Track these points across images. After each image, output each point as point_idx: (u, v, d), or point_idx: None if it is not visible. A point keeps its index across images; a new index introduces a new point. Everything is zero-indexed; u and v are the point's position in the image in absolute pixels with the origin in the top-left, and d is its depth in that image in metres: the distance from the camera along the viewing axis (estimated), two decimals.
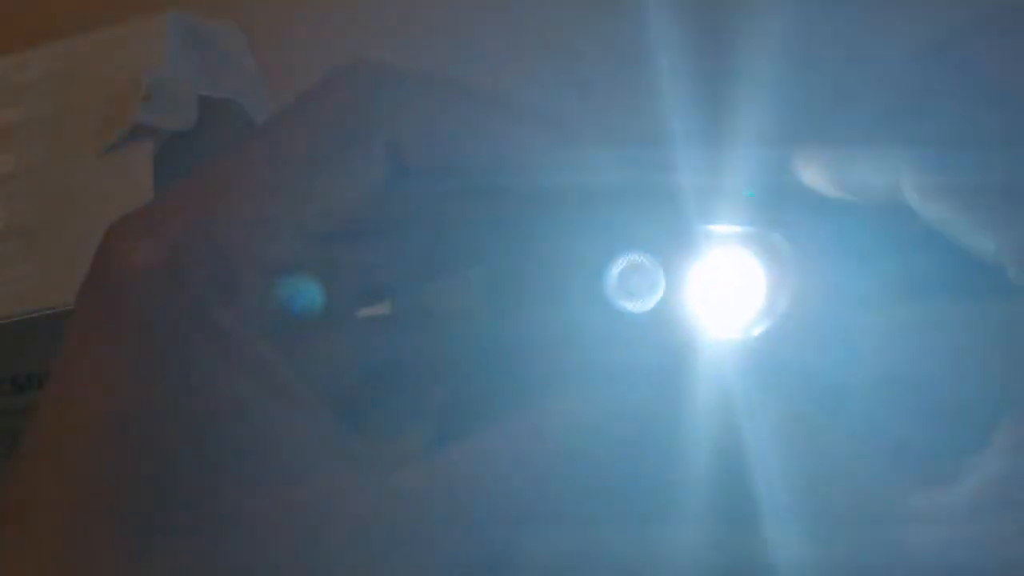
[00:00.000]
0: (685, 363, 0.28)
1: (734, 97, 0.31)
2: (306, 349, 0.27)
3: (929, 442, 0.28)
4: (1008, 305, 0.28)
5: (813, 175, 0.29)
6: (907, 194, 0.27)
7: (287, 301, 0.27)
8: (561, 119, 0.29)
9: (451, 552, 0.24)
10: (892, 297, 0.29)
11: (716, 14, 0.35)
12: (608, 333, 0.28)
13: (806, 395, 0.28)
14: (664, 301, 0.28)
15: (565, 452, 0.26)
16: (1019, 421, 0.26)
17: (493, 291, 0.30)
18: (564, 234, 0.29)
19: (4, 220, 0.47)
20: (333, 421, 0.25)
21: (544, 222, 0.29)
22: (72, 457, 0.24)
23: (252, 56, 0.55)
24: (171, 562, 0.23)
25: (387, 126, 0.26)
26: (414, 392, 0.30)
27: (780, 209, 0.29)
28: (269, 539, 0.23)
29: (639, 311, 0.28)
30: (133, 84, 0.47)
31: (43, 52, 0.51)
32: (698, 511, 0.27)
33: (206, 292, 0.25)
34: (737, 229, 0.29)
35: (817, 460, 0.27)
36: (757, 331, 0.29)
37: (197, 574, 0.23)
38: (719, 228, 0.29)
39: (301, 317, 0.27)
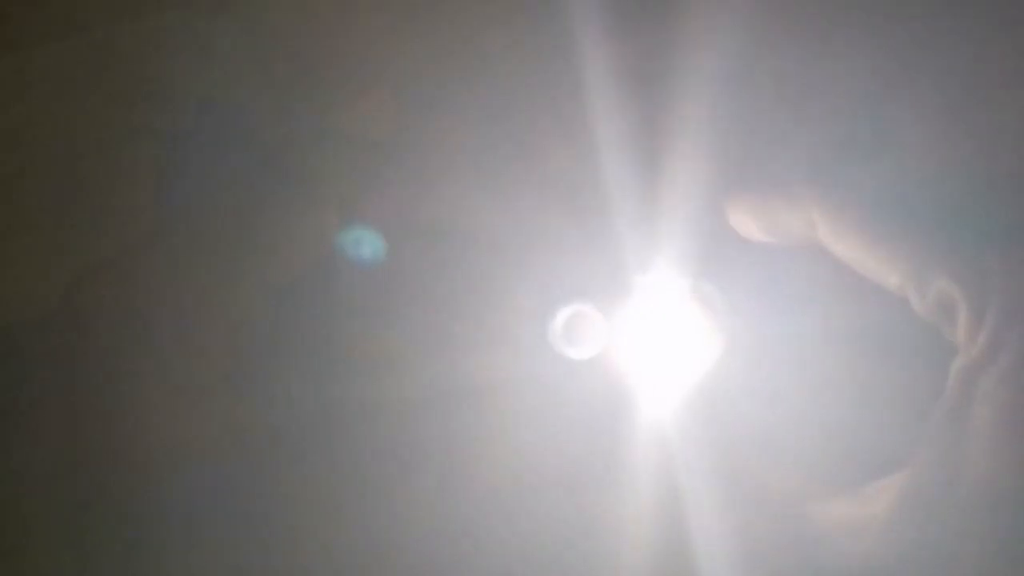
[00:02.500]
0: (624, 407, 0.29)
1: (671, 146, 0.32)
2: (261, 391, 0.28)
3: (850, 468, 0.30)
4: (916, 353, 0.30)
5: (740, 220, 0.31)
6: (821, 234, 0.29)
7: (356, 250, 0.29)
8: (503, 174, 0.31)
9: None
10: (816, 343, 0.31)
11: (653, 73, 0.36)
12: (551, 379, 0.30)
13: (737, 437, 0.30)
14: (605, 348, 0.30)
15: (500, 499, 0.28)
16: (926, 448, 0.28)
17: (439, 337, 0.32)
18: (510, 283, 0.30)
19: (4, 220, 0.47)
20: (284, 460, 0.27)
21: (490, 272, 0.31)
22: (36, 485, 0.25)
23: (252, 56, 0.55)
24: None
25: (339, 188, 0.29)
26: (361, 433, 0.32)
27: (713, 261, 0.31)
28: (222, 565, 0.24)
29: (581, 358, 0.30)
30: (133, 84, 0.47)
31: (43, 52, 0.51)
32: (633, 547, 0.28)
33: (170, 344, 0.26)
34: (672, 280, 0.31)
35: (748, 496, 0.29)
36: (692, 376, 0.31)
37: None
38: (655, 279, 0.31)
39: (366, 264, 0.29)
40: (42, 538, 0.25)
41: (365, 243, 0.30)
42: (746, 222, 0.32)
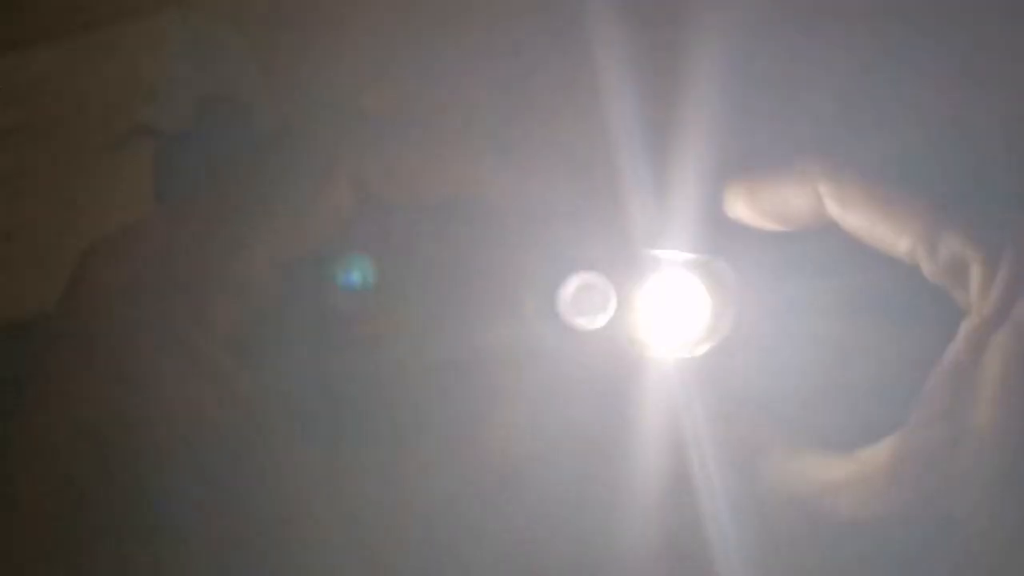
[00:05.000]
0: (633, 380, 0.29)
1: (683, 126, 0.32)
2: (269, 365, 0.28)
3: (862, 442, 0.30)
4: (923, 322, 0.30)
5: (742, 211, 0.31)
6: (828, 207, 0.29)
7: (344, 276, 0.29)
8: (514, 147, 0.31)
9: (402, 559, 0.26)
10: (827, 316, 0.31)
11: (664, 44, 0.36)
12: (560, 349, 0.30)
13: (746, 407, 0.30)
14: (614, 319, 0.30)
15: (511, 466, 0.28)
16: (923, 409, 0.28)
17: (447, 308, 0.32)
18: (519, 253, 0.30)
19: (3, 220, 0.47)
20: (292, 433, 0.27)
21: (499, 241, 0.31)
22: (46, 467, 0.25)
23: (252, 56, 0.55)
24: (138, 565, 0.24)
25: (351, 163, 0.29)
26: (367, 406, 0.32)
27: (723, 236, 0.31)
28: (230, 543, 0.24)
29: (590, 328, 0.30)
30: (133, 84, 0.47)
31: (43, 52, 0.52)
32: (640, 527, 0.28)
33: (180, 313, 0.26)
34: (683, 255, 0.31)
35: (757, 466, 0.29)
36: (701, 350, 0.31)
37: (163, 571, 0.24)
38: (666, 254, 0.31)
39: (356, 290, 0.29)
40: (50, 518, 0.25)
41: (354, 268, 0.31)
42: (751, 211, 0.31)
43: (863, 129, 0.33)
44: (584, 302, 0.30)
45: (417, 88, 0.37)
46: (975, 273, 0.27)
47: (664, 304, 0.31)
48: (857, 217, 0.29)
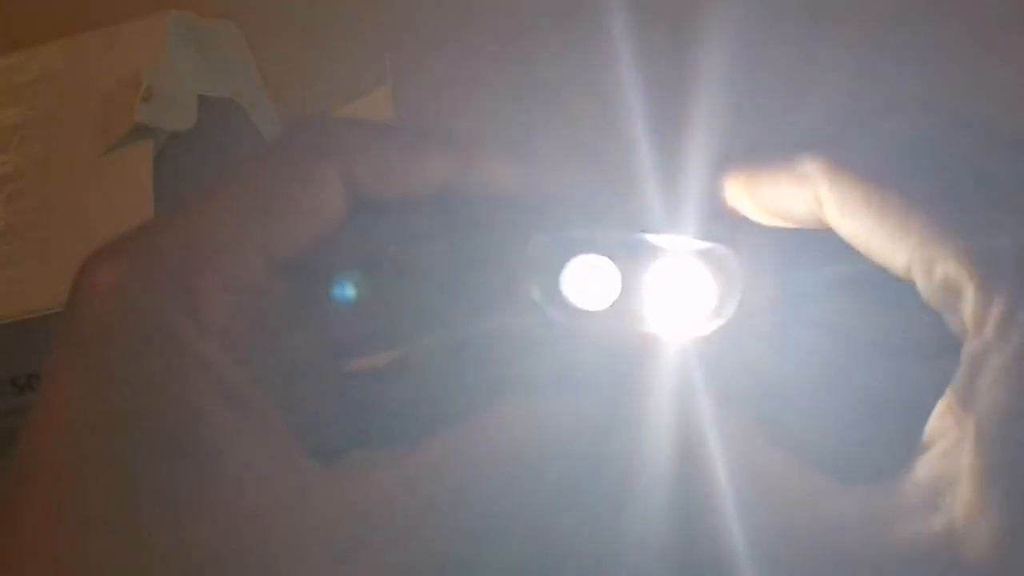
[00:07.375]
0: (639, 362, 0.29)
1: (691, 114, 0.32)
2: (271, 363, 0.28)
3: (867, 438, 0.29)
4: (931, 311, 0.29)
5: (741, 203, 0.31)
6: (827, 211, 0.29)
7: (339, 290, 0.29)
8: (520, 133, 0.30)
9: (397, 562, 0.26)
10: (834, 304, 0.31)
11: (675, 31, 0.36)
12: (565, 332, 0.30)
13: (752, 393, 0.29)
14: (619, 301, 0.30)
15: (521, 455, 0.27)
16: (927, 446, 0.27)
17: (451, 298, 0.32)
18: (521, 238, 0.30)
19: (4, 220, 0.47)
20: (285, 431, 0.27)
21: (501, 227, 0.30)
22: (45, 462, 0.25)
23: (252, 56, 0.55)
24: (129, 559, 0.24)
25: (342, 162, 0.29)
26: (377, 403, 0.32)
27: (727, 223, 0.31)
28: (218, 542, 0.24)
29: (595, 310, 0.30)
30: (133, 84, 0.47)
31: (43, 52, 0.52)
32: (653, 512, 0.28)
33: (168, 306, 0.26)
34: (687, 241, 0.30)
35: (760, 456, 0.28)
36: (706, 333, 0.30)
37: (153, 571, 0.24)
38: (669, 239, 0.30)
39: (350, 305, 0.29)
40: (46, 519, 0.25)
41: (347, 284, 0.31)
42: (751, 205, 0.31)
43: (869, 119, 0.32)
44: (589, 284, 0.30)
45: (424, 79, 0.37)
46: (970, 298, 0.27)
47: (668, 288, 0.31)
48: (855, 228, 0.29)
